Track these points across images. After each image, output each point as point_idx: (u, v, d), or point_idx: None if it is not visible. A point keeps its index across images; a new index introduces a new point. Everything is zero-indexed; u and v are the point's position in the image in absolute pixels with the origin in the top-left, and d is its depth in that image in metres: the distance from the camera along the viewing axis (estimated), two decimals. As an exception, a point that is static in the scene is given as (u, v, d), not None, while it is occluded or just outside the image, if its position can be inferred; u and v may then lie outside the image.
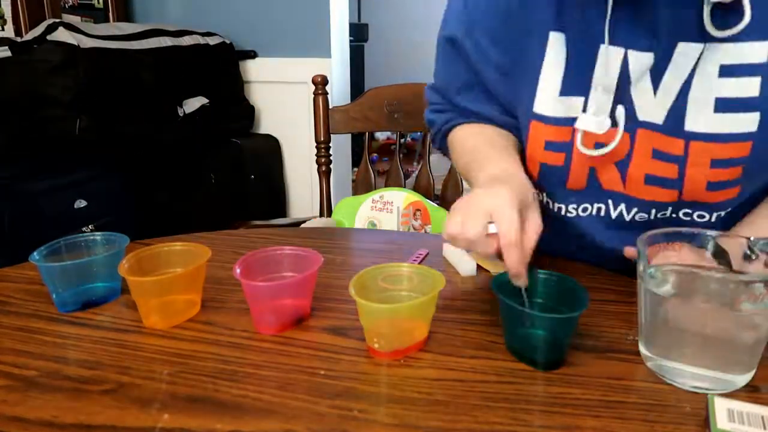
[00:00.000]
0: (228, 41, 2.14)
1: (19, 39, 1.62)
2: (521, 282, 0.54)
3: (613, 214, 0.69)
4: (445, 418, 0.45)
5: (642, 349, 0.52)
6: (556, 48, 0.65)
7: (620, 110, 0.63)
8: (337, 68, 2.19)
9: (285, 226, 1.24)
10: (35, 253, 0.62)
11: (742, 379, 0.48)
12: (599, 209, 0.70)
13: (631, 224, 0.69)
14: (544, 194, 0.75)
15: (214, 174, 2.01)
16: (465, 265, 0.72)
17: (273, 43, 2.21)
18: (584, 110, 0.64)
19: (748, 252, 0.51)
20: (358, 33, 3.87)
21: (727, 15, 0.55)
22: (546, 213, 0.69)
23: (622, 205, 0.68)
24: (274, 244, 0.63)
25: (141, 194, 1.89)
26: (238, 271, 0.57)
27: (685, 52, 0.58)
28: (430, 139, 0.89)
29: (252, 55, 2.24)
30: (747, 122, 0.58)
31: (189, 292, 0.62)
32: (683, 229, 0.54)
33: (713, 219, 0.66)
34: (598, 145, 0.64)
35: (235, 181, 2.06)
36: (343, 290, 0.58)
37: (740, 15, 0.54)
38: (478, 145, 0.75)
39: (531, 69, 0.67)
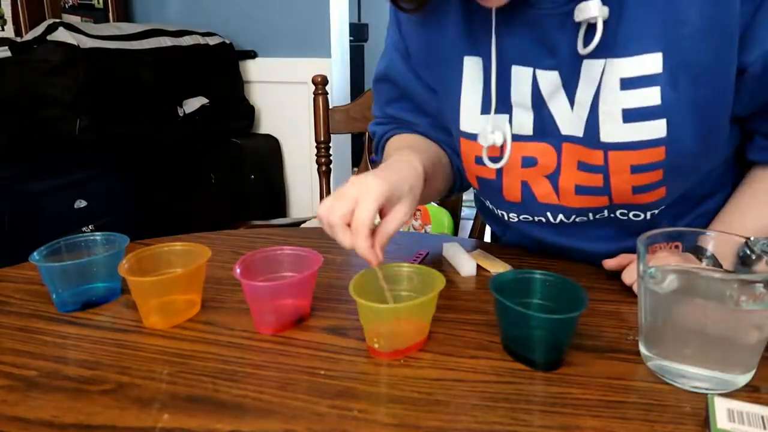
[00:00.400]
0: (228, 41, 2.14)
1: (19, 39, 1.63)
2: (374, 264, 0.56)
3: (555, 222, 0.73)
4: (445, 418, 0.45)
5: (642, 349, 0.52)
6: (472, 70, 0.70)
7: (506, 127, 0.68)
8: (337, 68, 2.19)
9: (285, 226, 1.24)
10: (35, 253, 0.62)
11: (743, 379, 0.48)
12: (540, 219, 0.74)
13: (575, 224, 0.73)
14: (488, 202, 0.80)
15: (214, 174, 2.01)
16: (465, 265, 0.72)
17: (273, 43, 2.22)
18: (510, 126, 0.69)
19: (748, 252, 0.51)
20: (358, 33, 3.87)
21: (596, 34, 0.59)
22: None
23: (560, 215, 0.72)
24: (274, 244, 0.63)
25: (141, 194, 1.89)
26: (238, 271, 0.57)
27: (590, 68, 0.62)
28: (372, 151, 0.92)
29: (252, 55, 2.24)
30: (656, 129, 0.61)
31: (189, 292, 0.62)
32: (683, 229, 0.54)
33: (649, 217, 0.69)
34: (526, 161, 0.70)
35: (235, 181, 2.06)
36: (343, 290, 0.57)
37: (608, 34, 0.59)
38: (400, 147, 0.78)
39: (453, 90, 0.72)
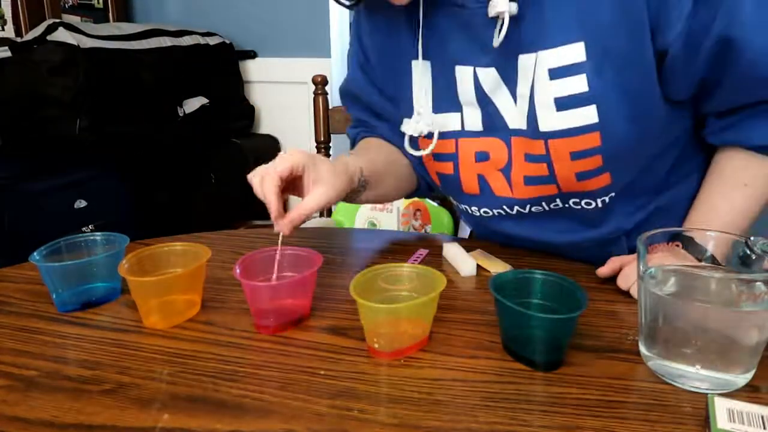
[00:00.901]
0: (228, 41, 2.14)
1: (19, 39, 1.62)
2: (281, 228, 0.64)
3: (513, 213, 0.76)
4: (445, 418, 0.45)
5: (642, 349, 0.52)
6: (421, 73, 0.74)
7: (448, 122, 0.73)
8: (337, 68, 2.19)
9: (285, 226, 1.24)
10: (35, 253, 0.62)
11: (743, 379, 0.48)
12: (499, 212, 0.77)
13: (533, 215, 0.76)
14: (451, 197, 0.84)
15: (214, 174, 2.01)
16: (465, 265, 0.72)
17: (273, 43, 2.21)
18: (461, 124, 0.73)
19: (748, 252, 0.51)
20: (358, 33, 3.87)
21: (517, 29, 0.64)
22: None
23: (516, 206, 0.74)
24: (274, 244, 0.63)
25: (141, 194, 1.89)
26: (238, 271, 0.57)
27: (525, 62, 0.65)
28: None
29: (252, 55, 2.24)
30: (587, 115, 0.64)
31: (189, 292, 0.62)
32: (683, 229, 0.54)
33: (600, 204, 0.71)
34: (479, 156, 0.73)
35: (235, 181, 2.05)
36: (343, 290, 0.58)
37: (534, 28, 0.63)
38: (358, 149, 0.87)
39: (406, 95, 0.76)
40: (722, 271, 0.53)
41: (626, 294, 0.65)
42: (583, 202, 0.72)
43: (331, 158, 1.12)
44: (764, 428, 0.40)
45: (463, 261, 0.73)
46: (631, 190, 0.72)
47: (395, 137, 0.85)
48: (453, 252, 0.76)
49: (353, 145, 0.93)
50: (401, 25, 0.75)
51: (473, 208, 0.79)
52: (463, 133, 0.73)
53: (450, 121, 0.74)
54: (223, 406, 0.46)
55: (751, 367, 0.48)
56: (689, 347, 0.48)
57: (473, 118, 0.72)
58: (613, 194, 0.70)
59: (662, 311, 0.49)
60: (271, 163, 0.64)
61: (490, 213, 0.77)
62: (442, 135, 0.74)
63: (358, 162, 0.76)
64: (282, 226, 0.64)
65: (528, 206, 0.74)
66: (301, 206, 0.65)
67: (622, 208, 0.73)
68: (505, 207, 0.75)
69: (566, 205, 0.73)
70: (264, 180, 0.62)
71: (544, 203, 0.73)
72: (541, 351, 0.51)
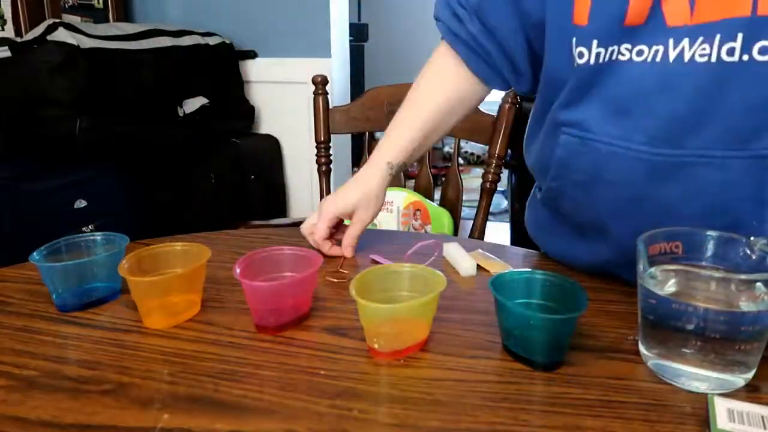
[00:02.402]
0: (228, 41, 2.14)
1: (19, 39, 1.62)
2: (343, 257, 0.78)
3: (672, 56, 0.56)
4: (445, 418, 0.45)
5: (642, 349, 0.52)
6: None
7: None
8: (337, 68, 2.19)
9: (285, 226, 1.24)
10: (35, 253, 0.62)
11: (742, 379, 0.48)
12: (656, 52, 0.57)
13: (681, 91, 0.56)
14: (594, 42, 0.60)
15: (214, 174, 2.01)
16: (465, 264, 0.72)
17: (273, 43, 2.22)
18: None
19: (748, 252, 0.51)
20: (358, 33, 3.87)
21: None
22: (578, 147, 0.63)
23: (685, 41, 0.55)
24: (274, 244, 0.64)
25: (141, 194, 1.89)
26: (238, 271, 0.57)
27: None
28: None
29: (252, 55, 2.24)
30: None
31: (189, 292, 0.62)
32: (683, 229, 0.54)
33: None
34: None
35: (235, 181, 2.06)
36: (343, 290, 0.58)
37: None
38: (416, 105, 0.84)
39: None
40: (722, 271, 0.52)
41: (626, 294, 0.65)
42: None
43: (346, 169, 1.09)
44: (764, 428, 0.41)
45: (463, 261, 0.73)
46: None
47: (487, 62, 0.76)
48: (453, 252, 0.76)
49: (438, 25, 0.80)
50: None
51: (623, 48, 0.59)
52: None
53: None
54: (223, 406, 0.46)
55: (751, 367, 0.48)
56: (689, 347, 0.48)
57: None
58: None
59: (662, 311, 0.49)
60: (312, 219, 0.80)
61: (645, 53, 0.57)
62: None
63: (401, 144, 0.81)
64: (347, 252, 0.79)
65: (698, 42, 0.54)
66: (348, 234, 0.79)
67: None
68: (671, 42, 0.56)
69: (743, 59, 0.52)
70: (320, 248, 0.78)
71: (719, 37, 0.53)
72: (541, 351, 0.51)
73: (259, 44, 2.23)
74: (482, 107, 1.23)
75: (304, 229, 0.81)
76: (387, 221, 1.24)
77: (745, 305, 0.47)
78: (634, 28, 0.57)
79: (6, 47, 1.56)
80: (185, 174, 2.00)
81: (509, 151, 1.29)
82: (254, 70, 2.26)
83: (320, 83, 1.30)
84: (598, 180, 0.63)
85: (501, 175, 1.22)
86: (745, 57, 0.52)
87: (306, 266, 0.60)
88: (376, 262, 0.76)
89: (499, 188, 1.26)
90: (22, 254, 0.65)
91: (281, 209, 2.33)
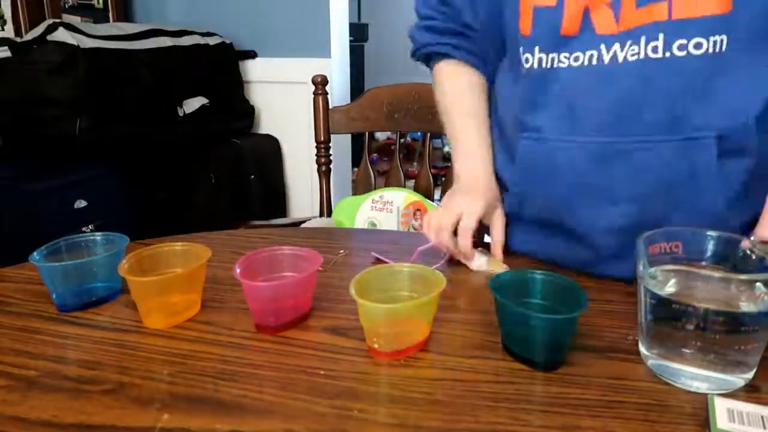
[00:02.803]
0: (228, 41, 2.14)
1: (19, 39, 1.62)
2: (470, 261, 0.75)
3: (606, 58, 0.64)
4: (445, 418, 0.45)
5: (642, 349, 0.52)
6: None
7: None
8: (337, 68, 2.19)
9: (285, 226, 1.24)
10: (35, 253, 0.62)
11: (742, 380, 0.48)
12: (591, 57, 0.65)
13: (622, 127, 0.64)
14: (536, 48, 0.70)
15: (214, 174, 2.01)
16: (475, 259, 0.73)
17: (273, 43, 2.21)
18: None
19: (749, 252, 0.51)
20: (358, 33, 3.87)
21: None
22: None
23: (616, 46, 0.64)
24: (274, 244, 0.63)
25: (141, 194, 1.89)
26: (238, 271, 0.57)
27: None
28: (410, 53, 0.95)
29: (252, 55, 2.24)
30: None
31: (189, 292, 0.62)
32: (683, 228, 0.54)
33: (710, 49, 0.59)
34: None
35: (235, 181, 2.06)
36: (343, 290, 0.58)
37: None
38: (454, 104, 0.87)
39: None
40: (722, 272, 0.52)
41: (626, 294, 0.65)
42: (691, 45, 0.59)
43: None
44: (764, 428, 0.41)
45: (474, 255, 0.73)
46: (754, 34, 0.58)
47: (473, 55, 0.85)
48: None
49: (419, 51, 0.91)
50: None
51: (562, 56, 0.67)
52: None
53: None
54: (223, 406, 0.46)
55: (751, 368, 0.48)
56: (689, 347, 0.48)
57: None
58: (725, 37, 0.58)
59: (662, 311, 0.49)
60: (452, 214, 0.76)
61: (581, 58, 0.66)
62: None
63: (487, 142, 0.83)
64: (498, 254, 0.77)
65: (627, 45, 0.62)
66: (495, 240, 0.79)
67: (737, 73, 0.59)
68: (602, 47, 0.64)
69: (666, 55, 0.61)
70: (463, 241, 0.74)
71: (643, 39, 0.61)
72: (541, 351, 0.51)
73: (259, 44, 2.23)
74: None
75: (445, 221, 0.75)
76: (387, 221, 1.24)
77: (745, 305, 0.47)
78: (569, 38, 0.66)
79: (6, 47, 1.56)
80: (185, 174, 2.00)
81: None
82: (254, 70, 2.26)
83: (320, 83, 1.30)
84: (553, 175, 0.71)
85: (501, 175, 1.21)
86: (668, 54, 0.61)
87: (306, 266, 0.60)
88: (380, 261, 0.76)
89: (499, 188, 1.26)
90: (22, 254, 0.65)
91: (281, 209, 2.33)
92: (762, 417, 0.41)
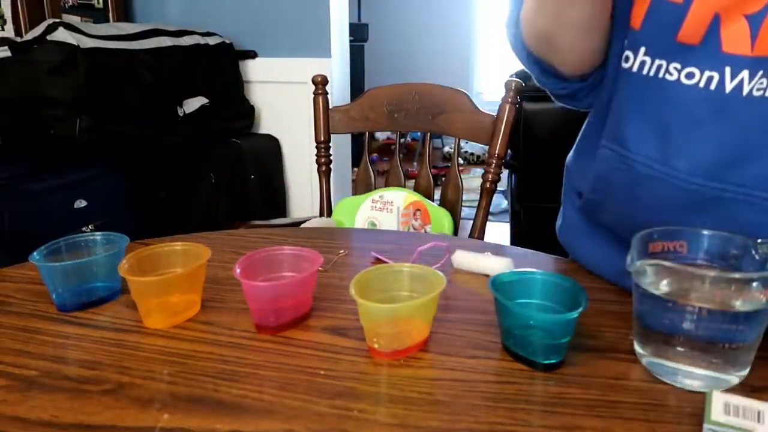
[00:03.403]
0: (228, 41, 2.14)
1: (19, 39, 1.62)
2: None
3: (728, 86, 0.52)
4: (445, 418, 0.45)
5: (636, 347, 0.52)
6: None
7: None
8: (337, 68, 2.19)
9: (285, 226, 1.24)
10: (35, 253, 0.62)
11: (737, 378, 0.48)
12: (710, 79, 0.53)
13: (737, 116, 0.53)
14: (642, 49, 0.57)
15: (214, 174, 2.01)
16: (498, 262, 0.71)
17: (273, 43, 2.22)
18: None
19: (753, 253, 0.51)
20: (358, 33, 3.88)
21: None
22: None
23: (744, 73, 0.52)
24: (274, 244, 0.64)
25: (141, 194, 1.89)
26: (238, 271, 0.57)
27: None
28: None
29: (252, 55, 2.24)
30: None
31: (189, 292, 0.62)
32: (682, 228, 0.54)
33: None
34: None
35: (235, 181, 2.06)
36: (343, 290, 0.58)
37: None
38: None
39: None
40: (717, 271, 0.52)
41: (626, 294, 0.65)
42: None
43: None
44: (758, 422, 0.41)
45: (492, 261, 0.72)
46: None
47: None
48: (469, 257, 0.74)
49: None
50: None
51: (672, 67, 0.55)
52: None
53: None
54: (223, 406, 0.46)
55: (746, 366, 0.48)
56: (683, 346, 0.48)
57: None
58: None
59: (656, 310, 0.49)
60: None
61: (696, 76, 0.54)
62: None
63: None
64: None
65: (759, 75, 0.51)
66: None
67: None
68: (727, 70, 0.52)
69: None
70: None
71: None
72: (541, 351, 0.51)
73: (259, 44, 2.23)
74: (482, 107, 1.23)
75: None
76: (387, 221, 1.24)
77: (740, 304, 0.47)
78: (686, 46, 0.54)
79: (6, 47, 1.57)
80: (185, 174, 2.00)
81: (509, 151, 1.29)
82: (254, 70, 2.26)
83: (320, 83, 1.30)
84: (634, 199, 0.61)
85: (501, 175, 1.22)
86: None
87: (306, 266, 0.60)
88: (380, 261, 0.76)
89: (499, 188, 1.27)
90: (22, 254, 0.65)
91: (281, 209, 2.33)
92: (759, 412, 0.42)
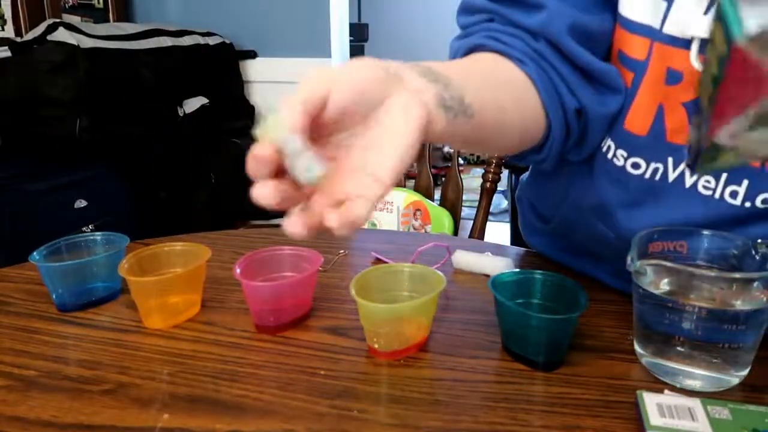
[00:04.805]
0: (228, 41, 2.14)
1: (19, 39, 1.62)
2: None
3: (671, 177, 0.53)
4: (445, 418, 0.45)
5: (636, 347, 0.52)
6: None
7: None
8: (337, 68, 2.19)
9: (285, 226, 1.24)
10: (35, 253, 0.62)
11: (737, 378, 0.48)
12: (655, 170, 0.55)
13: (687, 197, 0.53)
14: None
15: (214, 174, 2.01)
16: (499, 262, 0.71)
17: (273, 43, 2.22)
18: (664, 18, 0.49)
19: (753, 252, 0.51)
20: (358, 33, 3.88)
21: None
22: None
23: (682, 166, 0.53)
24: (274, 244, 0.63)
25: (141, 194, 1.89)
26: (238, 271, 0.57)
27: None
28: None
29: (252, 55, 2.24)
30: None
31: (189, 292, 0.62)
32: (682, 228, 0.54)
33: None
34: (672, 76, 0.50)
35: (235, 181, 2.06)
36: (343, 290, 0.58)
37: None
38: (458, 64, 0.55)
39: None
40: (717, 270, 0.53)
41: (626, 294, 0.65)
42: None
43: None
44: (692, 420, 0.41)
45: (493, 261, 0.72)
46: None
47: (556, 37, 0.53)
48: (469, 258, 0.75)
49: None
50: None
51: (619, 153, 0.56)
52: (658, 35, 0.50)
53: (657, 8, 0.50)
54: (223, 406, 0.46)
55: (746, 366, 0.48)
56: (683, 346, 0.48)
57: (677, 14, 0.49)
58: None
59: (656, 310, 0.49)
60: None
61: (642, 167, 0.55)
62: (640, 29, 0.52)
63: (454, 75, 0.44)
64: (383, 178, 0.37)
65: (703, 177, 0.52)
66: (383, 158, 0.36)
67: None
68: (670, 160, 0.53)
69: (746, 204, 0.51)
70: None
71: (723, 179, 0.51)
72: (541, 351, 0.51)
73: (259, 44, 2.23)
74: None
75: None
76: (387, 221, 1.24)
77: (741, 304, 0.47)
78: (633, 136, 0.55)
79: (6, 47, 1.57)
80: (185, 174, 2.00)
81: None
82: (254, 70, 2.26)
83: (320, 83, 1.30)
84: (598, 239, 0.62)
85: (501, 175, 1.22)
86: (747, 204, 0.51)
87: (306, 266, 0.60)
88: (380, 261, 0.76)
89: (499, 188, 1.27)
90: (22, 254, 0.65)
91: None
92: (689, 408, 0.43)
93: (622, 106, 0.55)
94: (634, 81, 0.54)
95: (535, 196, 0.78)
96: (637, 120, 0.54)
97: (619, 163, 0.57)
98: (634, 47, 0.53)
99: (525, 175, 0.82)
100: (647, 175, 0.55)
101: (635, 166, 0.56)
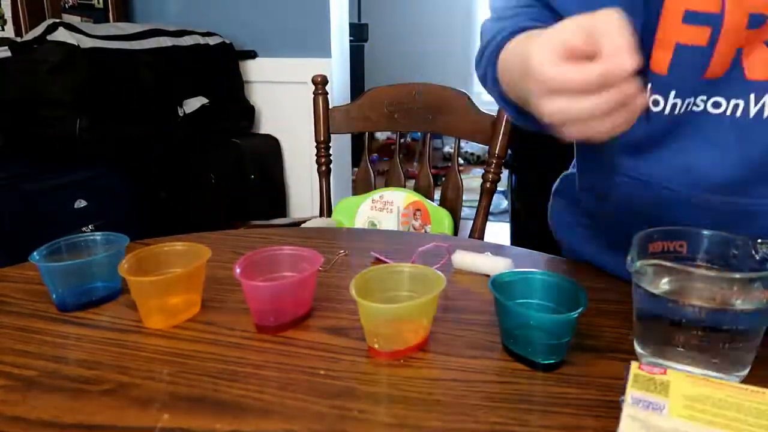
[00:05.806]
0: (228, 41, 2.14)
1: (19, 39, 1.62)
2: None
3: (752, 111, 0.54)
4: (445, 418, 0.45)
5: (636, 347, 0.52)
6: None
7: None
8: (337, 68, 2.19)
9: (285, 226, 1.24)
10: (35, 253, 0.62)
11: (737, 378, 0.48)
12: (735, 107, 0.55)
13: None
14: (672, 93, 0.57)
15: (214, 174, 2.01)
16: (500, 262, 0.71)
17: (273, 43, 2.22)
18: None
19: (753, 252, 0.51)
20: (358, 33, 3.88)
21: None
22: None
23: (767, 96, 0.53)
24: (274, 244, 0.64)
25: (141, 194, 1.89)
26: (238, 271, 0.57)
27: None
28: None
29: (252, 55, 2.24)
30: None
31: (189, 292, 0.62)
32: (682, 228, 0.54)
33: None
34: (754, 19, 0.50)
35: (235, 181, 2.06)
36: (343, 290, 0.58)
37: None
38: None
39: None
40: (717, 270, 0.53)
41: (626, 294, 0.65)
42: None
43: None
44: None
45: (494, 261, 0.72)
46: None
47: None
48: (470, 258, 0.74)
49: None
50: None
51: (699, 100, 0.56)
52: None
53: None
54: (223, 406, 0.46)
55: (746, 366, 0.48)
56: (683, 345, 0.48)
57: None
58: None
59: (656, 309, 0.49)
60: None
61: (723, 105, 0.55)
62: None
63: None
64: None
65: None
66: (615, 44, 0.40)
67: None
68: (752, 97, 0.54)
69: None
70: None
71: None
72: (541, 351, 0.51)
73: (259, 44, 2.23)
74: (482, 107, 1.23)
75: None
76: (387, 221, 1.24)
77: (741, 304, 0.46)
78: (712, 80, 0.55)
79: (6, 47, 1.57)
80: (185, 174, 2.00)
81: (509, 151, 1.29)
82: (254, 70, 2.26)
83: (320, 83, 1.30)
84: (657, 220, 0.59)
85: (501, 175, 1.22)
86: None
87: (306, 266, 0.60)
88: (380, 261, 0.76)
89: (499, 188, 1.27)
90: (22, 254, 0.65)
91: (281, 209, 2.33)
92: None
93: (702, 62, 0.54)
94: (712, 35, 0.53)
95: (587, 179, 0.74)
96: (716, 68, 0.54)
97: (699, 108, 0.57)
98: (704, 0, 0.52)
99: (568, 171, 0.80)
100: (728, 112, 0.56)
101: (716, 105, 0.56)
